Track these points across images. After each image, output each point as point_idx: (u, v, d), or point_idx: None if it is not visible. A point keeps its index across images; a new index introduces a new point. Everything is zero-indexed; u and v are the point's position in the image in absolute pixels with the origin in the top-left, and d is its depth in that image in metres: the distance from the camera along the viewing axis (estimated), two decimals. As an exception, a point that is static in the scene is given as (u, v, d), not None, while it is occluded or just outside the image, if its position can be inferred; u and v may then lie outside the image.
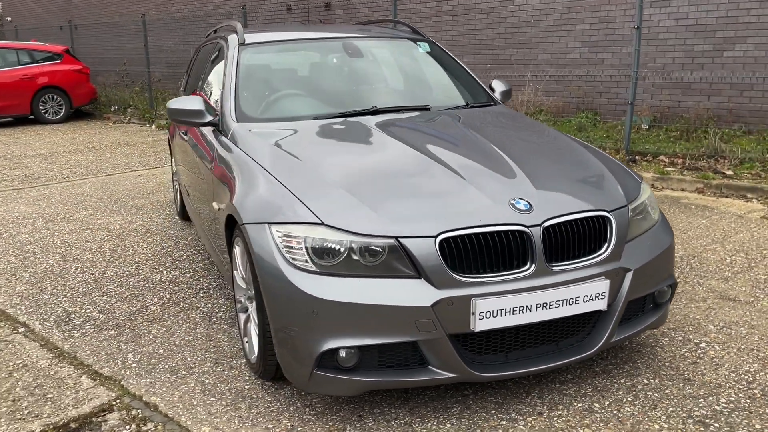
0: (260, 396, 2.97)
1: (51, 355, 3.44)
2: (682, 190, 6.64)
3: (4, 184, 7.75)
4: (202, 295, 4.20)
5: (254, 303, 3.00)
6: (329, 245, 2.60)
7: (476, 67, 10.62)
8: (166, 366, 3.28)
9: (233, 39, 4.34)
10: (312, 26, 5.63)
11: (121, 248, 5.19)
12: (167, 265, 4.79)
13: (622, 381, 3.01)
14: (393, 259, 2.57)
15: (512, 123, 3.84)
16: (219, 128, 3.82)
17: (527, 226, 2.63)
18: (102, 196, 7.01)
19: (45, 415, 2.88)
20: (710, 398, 2.85)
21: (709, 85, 8.65)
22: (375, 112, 3.80)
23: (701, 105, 8.69)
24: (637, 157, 7.62)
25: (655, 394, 2.89)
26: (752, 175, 6.65)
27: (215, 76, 4.52)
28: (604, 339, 2.80)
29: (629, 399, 2.86)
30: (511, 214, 2.65)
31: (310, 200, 2.76)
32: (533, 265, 2.62)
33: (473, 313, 2.55)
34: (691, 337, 3.43)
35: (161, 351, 3.44)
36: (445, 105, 4.10)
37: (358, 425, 2.73)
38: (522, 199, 2.73)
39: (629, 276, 2.81)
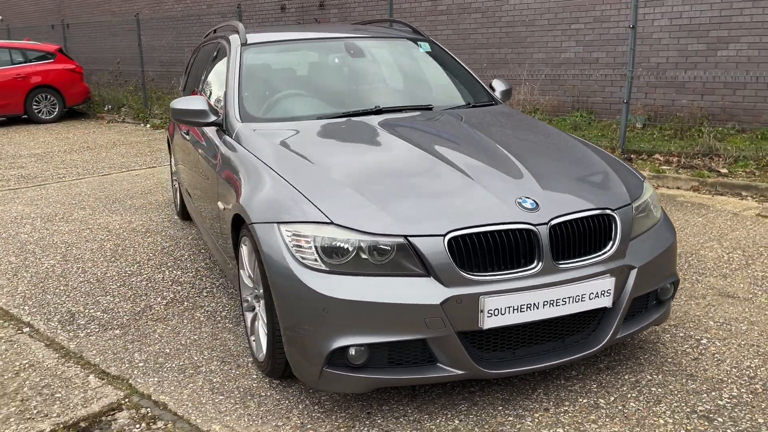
0: (269, 394, 2.99)
1: (57, 354, 3.45)
2: (678, 188, 6.70)
3: (0, 185, 7.73)
4: (205, 294, 4.21)
5: (262, 302, 3.02)
6: (338, 244, 2.63)
7: (471, 66, 10.66)
8: (173, 365, 3.30)
9: (235, 39, 4.35)
10: (313, 26, 5.65)
11: (122, 248, 5.20)
12: (169, 264, 4.80)
13: (626, 377, 3.05)
14: (401, 258, 2.60)
15: (514, 122, 3.87)
16: (223, 128, 3.84)
17: (534, 225, 2.67)
18: (100, 195, 7.00)
19: (54, 415, 2.89)
20: (713, 393, 2.90)
21: (702, 84, 8.73)
22: (378, 111, 3.83)
23: (695, 104, 8.77)
24: (632, 156, 7.69)
25: (659, 390, 2.93)
26: (746, 173, 6.72)
27: (216, 76, 4.54)
28: (609, 336, 2.84)
29: (634, 395, 2.91)
30: (518, 213, 2.69)
31: (318, 199, 2.78)
32: (540, 263, 2.66)
33: (482, 311, 2.58)
34: (692, 333, 3.47)
35: (167, 350, 3.46)
36: (447, 104, 4.13)
37: (367, 422, 2.76)
38: (528, 197, 2.77)
39: (633, 273, 2.85)
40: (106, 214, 6.25)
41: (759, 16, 8.13)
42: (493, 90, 4.48)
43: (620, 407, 2.82)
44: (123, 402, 2.98)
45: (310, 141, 3.47)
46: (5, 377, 3.23)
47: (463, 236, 2.61)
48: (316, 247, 2.65)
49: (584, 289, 2.70)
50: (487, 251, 2.63)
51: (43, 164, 8.95)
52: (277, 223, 2.77)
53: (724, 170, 6.85)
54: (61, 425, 2.81)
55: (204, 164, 4.05)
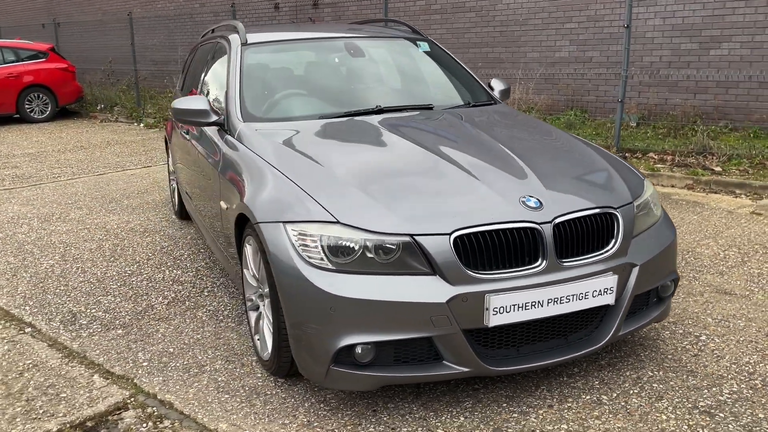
0: (274, 393, 3.01)
1: (60, 354, 3.45)
2: (672, 186, 6.76)
3: (-5, 184, 7.70)
4: (206, 293, 4.22)
5: (267, 301, 3.04)
6: (344, 243, 2.65)
7: (466, 65, 10.67)
8: (178, 364, 3.31)
9: (235, 39, 4.36)
10: (312, 25, 5.67)
11: (121, 248, 5.20)
12: (169, 264, 4.80)
13: (628, 373, 3.09)
14: (407, 257, 2.62)
15: (514, 121, 3.90)
16: (224, 128, 3.85)
17: (538, 223, 2.70)
18: (96, 195, 6.99)
19: (60, 414, 2.90)
20: (714, 389, 2.94)
21: (695, 82, 8.80)
22: (379, 111, 3.85)
23: (688, 102, 8.84)
24: (627, 154, 7.74)
25: (661, 386, 2.97)
26: (740, 172, 6.78)
27: (216, 76, 4.54)
28: (611, 333, 2.87)
29: (636, 391, 2.94)
30: (523, 212, 2.72)
31: (324, 199, 2.80)
32: (544, 261, 2.69)
33: (487, 309, 2.61)
34: (691, 330, 3.52)
35: (171, 349, 3.47)
36: (447, 104, 4.16)
37: (373, 420, 2.78)
38: (532, 196, 2.80)
39: (635, 271, 2.89)
40: (103, 213, 6.24)
41: (751, 15, 8.20)
42: (492, 89, 4.52)
43: (623, 403, 2.85)
44: (129, 401, 2.99)
45: (313, 140, 3.49)
46: (9, 377, 3.23)
47: (468, 235, 2.64)
48: (322, 246, 2.67)
49: (587, 287, 2.74)
50: (492, 250, 2.66)
51: (38, 164, 8.92)
52: (283, 222, 2.79)
53: (718, 168, 6.92)
54: (68, 425, 2.82)
55: (205, 164, 4.05)
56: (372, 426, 2.74)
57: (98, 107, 14.54)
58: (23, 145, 10.59)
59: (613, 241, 2.86)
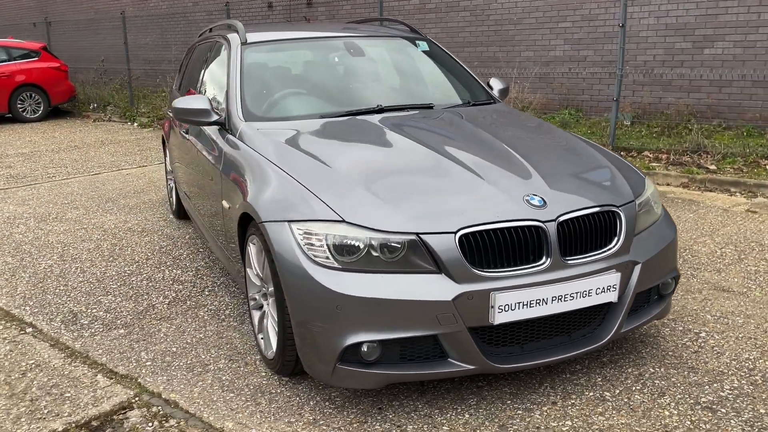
0: (279, 391, 3.02)
1: (63, 354, 3.45)
2: (668, 184, 6.81)
3: (-11, 184, 7.66)
4: (207, 293, 4.23)
5: (271, 300, 3.05)
6: (350, 242, 2.66)
7: (460, 64, 10.71)
8: (181, 363, 3.31)
9: (234, 38, 4.36)
10: (311, 25, 5.67)
11: (119, 247, 5.19)
12: (168, 263, 4.80)
13: (630, 370, 3.12)
14: (413, 255, 2.64)
15: (515, 120, 3.93)
16: (225, 127, 3.85)
17: (542, 222, 2.72)
18: (92, 195, 6.97)
19: (65, 414, 2.90)
20: (715, 385, 2.97)
21: (689, 81, 8.85)
22: (380, 110, 3.86)
23: (681, 101, 8.89)
24: (622, 153, 7.79)
25: (662, 383, 3.00)
26: (734, 170, 6.84)
27: (215, 76, 4.54)
28: (614, 330, 2.90)
29: (638, 387, 2.97)
30: (527, 210, 2.74)
31: (329, 198, 2.82)
32: (549, 259, 2.71)
33: (492, 307, 2.63)
34: (690, 327, 3.55)
35: (174, 349, 3.47)
36: (447, 103, 4.18)
37: (379, 417, 2.79)
38: (536, 195, 2.82)
39: (638, 269, 2.92)
40: (100, 213, 6.22)
41: (744, 15, 8.26)
42: (491, 88, 4.54)
43: (626, 400, 2.88)
44: (133, 401, 3.00)
45: (315, 140, 3.50)
46: (12, 377, 3.22)
47: (473, 233, 2.66)
48: (328, 245, 2.68)
49: (591, 285, 2.76)
50: (497, 248, 2.68)
51: (32, 163, 8.88)
52: (288, 221, 2.80)
53: (713, 167, 6.97)
54: (73, 424, 2.82)
55: (206, 163, 4.05)
56: (378, 424, 2.75)
57: (91, 107, 14.49)
58: (16, 145, 10.53)
59: (616, 239, 2.88)
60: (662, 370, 3.11)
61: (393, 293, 2.59)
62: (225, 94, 4.00)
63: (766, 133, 8.06)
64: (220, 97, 4.17)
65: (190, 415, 2.87)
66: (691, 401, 2.85)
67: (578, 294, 2.74)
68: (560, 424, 2.71)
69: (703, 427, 2.67)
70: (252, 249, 3.20)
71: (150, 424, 2.82)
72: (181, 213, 5.78)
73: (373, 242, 2.65)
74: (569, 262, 2.75)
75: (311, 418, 2.81)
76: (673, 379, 3.03)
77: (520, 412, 2.81)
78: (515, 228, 2.70)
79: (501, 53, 10.61)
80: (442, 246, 2.62)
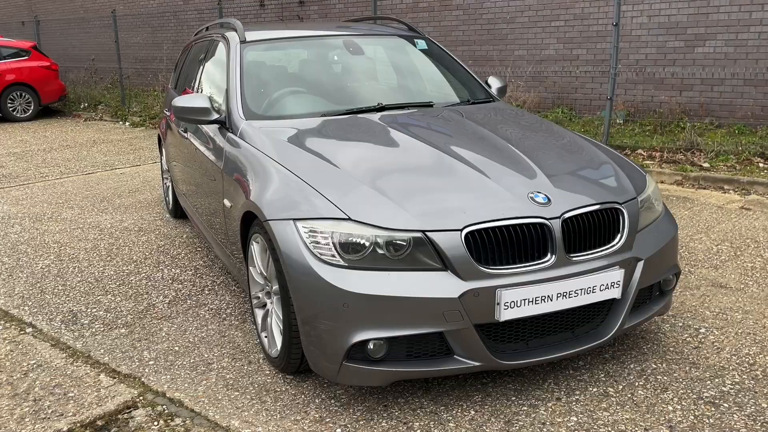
0: (284, 389, 3.02)
1: (64, 354, 3.44)
2: (662, 182, 6.85)
3: (-19, 184, 7.61)
4: (207, 292, 4.22)
5: (276, 298, 3.05)
6: (355, 240, 2.67)
7: (453, 63, 10.72)
8: (185, 362, 3.31)
9: (233, 36, 4.35)
10: (310, 23, 5.67)
11: (116, 247, 5.16)
12: (166, 263, 4.78)
13: (632, 366, 3.14)
14: (418, 253, 2.65)
15: (515, 118, 3.94)
16: (225, 126, 3.84)
17: (547, 219, 2.74)
18: (86, 194, 6.93)
19: (70, 414, 2.89)
20: (716, 380, 3.00)
21: (681, 80, 8.92)
22: (381, 108, 3.87)
23: (674, 100, 8.95)
24: (616, 151, 7.81)
25: (665, 378, 3.03)
26: (728, 167, 6.90)
27: (213, 74, 4.53)
28: (617, 326, 2.92)
29: (641, 383, 2.99)
30: (532, 208, 2.75)
31: (334, 196, 2.82)
32: (553, 256, 2.73)
33: (498, 304, 2.64)
34: (690, 323, 3.58)
35: (176, 348, 3.47)
36: (447, 101, 4.19)
37: (385, 414, 2.80)
38: (540, 192, 2.84)
39: (640, 265, 2.94)
40: (95, 213, 6.19)
41: (735, 13, 8.33)
42: (490, 87, 4.55)
43: (629, 395, 2.90)
44: (138, 400, 2.99)
45: (317, 138, 3.50)
46: (15, 377, 3.21)
47: (479, 230, 2.67)
48: (334, 243, 2.68)
49: (595, 281, 2.78)
50: (502, 245, 2.69)
51: (24, 163, 8.82)
52: (294, 219, 2.80)
53: (706, 164, 7.03)
54: (79, 424, 2.81)
55: (206, 162, 4.04)
56: (384, 421, 2.76)
57: (81, 106, 14.40)
58: (7, 144, 10.45)
59: (619, 235, 2.91)
60: (664, 365, 3.14)
61: (400, 291, 2.60)
62: (225, 93, 4.00)
63: (758, 131, 8.13)
64: (219, 95, 4.16)
65: (195, 413, 2.87)
66: (694, 396, 2.88)
67: (583, 290, 2.76)
68: (566, 419, 2.73)
69: (707, 421, 2.70)
70: (255, 247, 3.20)
71: (155, 423, 2.81)
72: (177, 212, 5.76)
73: (378, 240, 2.65)
74: (574, 259, 2.77)
75: (317, 415, 2.81)
76: (675, 375, 3.05)
77: (525, 408, 2.83)
78: (520, 225, 2.71)
79: (494, 52, 10.65)
80: (448, 243, 2.63)
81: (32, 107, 13.32)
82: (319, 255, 2.70)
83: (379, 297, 2.59)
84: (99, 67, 16.37)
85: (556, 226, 2.74)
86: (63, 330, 3.72)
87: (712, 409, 2.78)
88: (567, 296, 2.74)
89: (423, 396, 2.93)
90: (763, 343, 3.34)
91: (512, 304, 2.65)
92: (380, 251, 2.65)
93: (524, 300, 2.66)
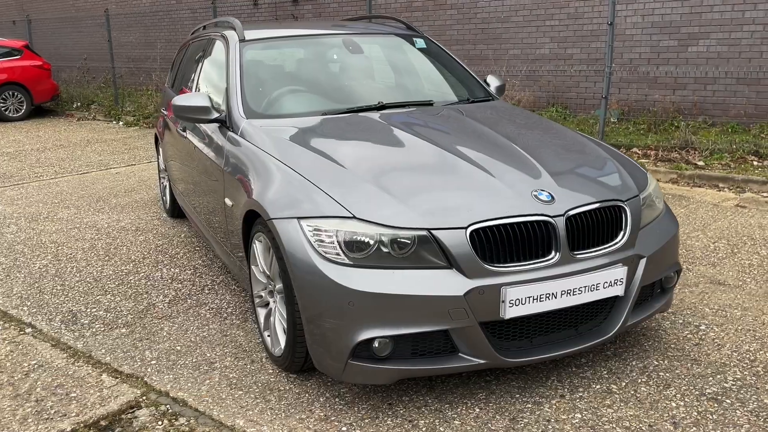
0: (288, 388, 3.02)
1: (65, 354, 3.42)
2: (657, 180, 6.88)
3: (-25, 184, 7.56)
4: (207, 291, 4.21)
5: (279, 297, 3.04)
6: (360, 238, 2.67)
7: (448, 62, 10.73)
8: (187, 362, 3.30)
9: (232, 35, 4.34)
10: (309, 22, 5.66)
11: (114, 247, 5.14)
12: (165, 262, 4.77)
13: (634, 363, 3.16)
14: (423, 251, 2.65)
15: (515, 117, 3.95)
16: (226, 125, 3.83)
17: (551, 216, 2.75)
18: (82, 194, 6.90)
19: (73, 414, 2.88)
20: (718, 376, 3.02)
21: (674, 79, 8.96)
22: (381, 107, 3.87)
23: (667, 98, 9.00)
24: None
25: (667, 375, 3.05)
26: (722, 166, 6.94)
27: (212, 73, 4.52)
28: (620, 323, 2.94)
29: (643, 380, 3.01)
30: (536, 206, 2.76)
31: (338, 194, 2.82)
32: (558, 254, 2.74)
33: (503, 301, 2.65)
34: (690, 320, 3.60)
35: (178, 347, 3.46)
36: (447, 100, 4.20)
37: (389, 412, 2.81)
38: (544, 190, 2.85)
39: (643, 262, 2.96)
40: (91, 212, 6.16)
41: (728, 12, 8.37)
42: (488, 85, 4.56)
43: (632, 392, 2.92)
44: (141, 400, 2.98)
45: (319, 136, 3.50)
46: (16, 378, 3.19)
47: (484, 228, 2.68)
48: (338, 241, 2.68)
49: (599, 279, 2.79)
50: (506, 243, 2.70)
51: (18, 163, 8.76)
52: (298, 218, 2.80)
53: (701, 163, 7.07)
54: (82, 424, 2.80)
55: (205, 161, 4.03)
56: (389, 419, 2.76)
57: (74, 105, 14.32)
58: (0, 144, 10.38)
59: (622, 233, 2.92)
60: (666, 362, 3.16)
61: (404, 289, 2.60)
62: (225, 92, 3.99)
63: (751, 129, 8.18)
64: (218, 94, 4.15)
65: (199, 413, 2.86)
66: (697, 392, 2.90)
67: (586, 288, 2.77)
68: (570, 416, 2.75)
69: (710, 417, 2.72)
70: (258, 246, 3.20)
71: (159, 422, 2.81)
72: (175, 212, 5.74)
73: (383, 238, 2.66)
74: (577, 256, 2.78)
75: (322, 414, 2.81)
76: (677, 371, 3.07)
77: (530, 405, 2.84)
78: (525, 223, 2.72)
79: (489, 51, 10.66)
80: (453, 241, 2.64)
81: (24, 107, 13.24)
82: (323, 253, 2.70)
83: (384, 295, 2.60)
84: (92, 66, 16.29)
85: (560, 223, 2.75)
86: (63, 330, 3.70)
87: (715, 405, 2.80)
88: (571, 294, 2.75)
89: (427, 394, 2.94)
90: (763, 339, 3.37)
91: (517, 301, 2.66)
92: (385, 249, 2.66)
93: (529, 297, 2.67)
